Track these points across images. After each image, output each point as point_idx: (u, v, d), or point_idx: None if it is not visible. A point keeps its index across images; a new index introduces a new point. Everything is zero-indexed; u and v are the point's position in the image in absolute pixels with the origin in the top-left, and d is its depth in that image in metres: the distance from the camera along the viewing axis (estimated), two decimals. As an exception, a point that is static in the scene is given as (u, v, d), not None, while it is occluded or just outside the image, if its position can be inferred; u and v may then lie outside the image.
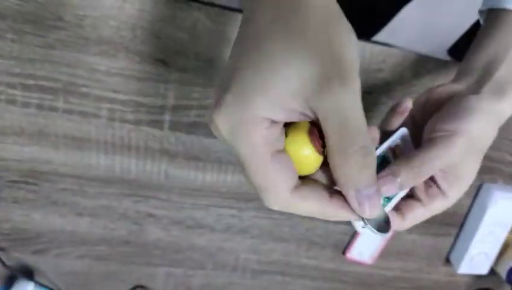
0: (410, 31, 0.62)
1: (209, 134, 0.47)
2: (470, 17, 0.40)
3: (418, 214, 0.35)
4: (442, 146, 0.30)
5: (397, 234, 0.56)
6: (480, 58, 0.34)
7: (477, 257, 0.57)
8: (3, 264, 0.49)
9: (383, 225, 0.25)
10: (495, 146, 0.52)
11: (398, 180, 0.30)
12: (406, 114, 0.35)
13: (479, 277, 0.62)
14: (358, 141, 0.21)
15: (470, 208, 0.56)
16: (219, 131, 0.22)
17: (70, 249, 0.51)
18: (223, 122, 0.21)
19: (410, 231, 0.56)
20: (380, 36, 0.61)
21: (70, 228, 0.50)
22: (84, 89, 0.43)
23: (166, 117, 0.45)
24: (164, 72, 0.43)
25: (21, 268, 0.52)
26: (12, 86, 0.41)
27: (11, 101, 0.42)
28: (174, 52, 0.42)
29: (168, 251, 0.53)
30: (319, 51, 0.21)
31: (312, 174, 0.25)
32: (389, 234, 0.29)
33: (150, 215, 0.51)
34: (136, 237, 0.52)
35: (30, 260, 0.51)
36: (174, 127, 0.46)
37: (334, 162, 0.22)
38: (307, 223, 0.54)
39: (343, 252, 0.57)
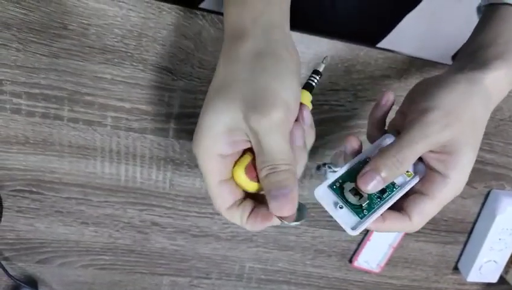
0: (413, 39, 0.62)
1: (214, 142, 0.46)
2: (474, 22, 0.40)
3: (425, 208, 0.32)
4: (418, 126, 0.30)
5: (404, 242, 0.55)
6: (469, 47, 0.35)
7: (487, 265, 0.57)
8: (8, 274, 0.49)
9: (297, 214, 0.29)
10: (502, 152, 0.52)
11: (382, 174, 0.30)
12: (388, 106, 0.35)
13: (488, 286, 0.61)
14: (267, 161, 0.28)
15: (478, 215, 0.56)
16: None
17: (75, 258, 0.51)
18: (193, 149, 0.29)
19: (417, 238, 0.56)
20: (383, 44, 0.60)
21: (75, 237, 0.50)
22: (89, 98, 0.42)
23: (171, 125, 0.45)
24: (169, 80, 0.43)
25: (25, 278, 0.51)
26: (17, 95, 0.41)
27: (16, 110, 0.42)
28: (179, 60, 0.42)
29: (173, 260, 0.53)
30: (242, 91, 0.27)
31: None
32: (298, 223, 0.29)
33: (155, 224, 0.50)
34: (140, 246, 0.51)
35: (34, 269, 0.51)
36: (179, 135, 0.45)
37: (259, 175, 0.29)
38: (312, 231, 0.53)
39: (350, 261, 0.56)
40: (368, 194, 0.32)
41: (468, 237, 0.57)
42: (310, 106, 0.32)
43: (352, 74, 0.44)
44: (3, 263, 0.49)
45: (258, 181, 0.29)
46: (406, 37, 0.60)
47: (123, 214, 0.49)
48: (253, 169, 0.29)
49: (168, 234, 0.51)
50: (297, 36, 0.42)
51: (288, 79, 0.28)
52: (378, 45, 0.61)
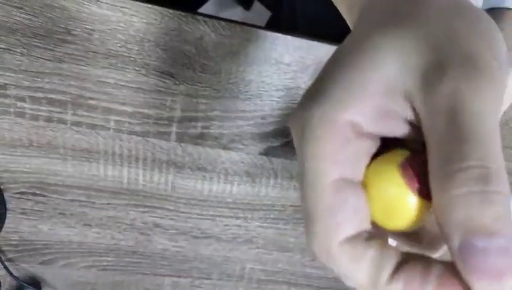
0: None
1: (216, 145, 0.47)
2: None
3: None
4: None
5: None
6: None
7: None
8: (11, 274, 0.49)
9: None
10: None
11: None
12: None
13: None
14: (475, 155, 0.13)
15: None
16: (292, 135, 0.16)
17: (78, 259, 0.52)
18: (294, 121, 0.15)
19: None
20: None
21: (78, 239, 0.50)
22: (92, 102, 0.43)
23: (173, 129, 0.45)
24: (171, 85, 0.43)
25: (29, 279, 0.52)
26: (21, 98, 0.42)
27: (20, 114, 0.43)
28: (181, 65, 0.42)
29: (175, 261, 0.54)
30: (432, 34, 0.15)
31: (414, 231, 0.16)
32: None
33: (157, 225, 0.51)
34: (143, 247, 0.52)
35: (38, 270, 0.52)
36: (181, 138, 0.46)
37: (433, 190, 0.13)
38: (312, 232, 0.54)
39: (349, 262, 0.57)
40: None
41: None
42: None
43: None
44: (7, 263, 0.49)
45: (427, 198, 0.14)
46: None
47: (125, 216, 0.50)
48: (416, 172, 0.15)
49: (170, 235, 0.52)
50: (297, 41, 0.43)
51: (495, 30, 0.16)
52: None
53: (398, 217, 0.15)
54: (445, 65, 0.14)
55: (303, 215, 0.16)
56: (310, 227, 0.15)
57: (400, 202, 0.15)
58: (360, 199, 0.15)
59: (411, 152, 0.15)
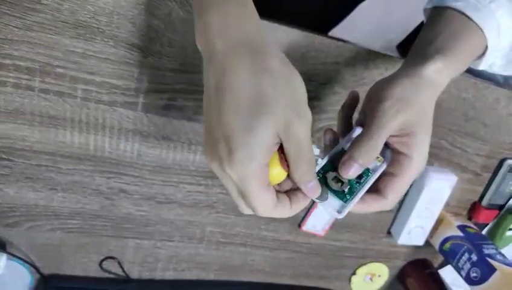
0: (364, 27, 0.68)
1: (180, 117, 0.50)
2: (420, 15, 0.46)
3: (397, 186, 0.37)
4: (376, 116, 0.35)
5: (347, 209, 0.63)
6: (415, 45, 0.40)
7: (415, 230, 0.65)
8: (-25, 237, 0.50)
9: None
10: (432, 133, 0.60)
11: (359, 161, 0.35)
12: (355, 103, 0.41)
13: (416, 248, 0.71)
14: (305, 156, 0.33)
15: (409, 187, 0.64)
16: (228, 175, 0.32)
17: (43, 222, 0.54)
18: (236, 172, 0.31)
19: (358, 206, 0.63)
20: (336, 30, 0.66)
21: (44, 203, 0.52)
22: (60, 70, 0.44)
23: (140, 100, 0.48)
24: (139, 57, 0.45)
25: (-7, 241, 0.53)
26: (-13, 64, 0.43)
27: (-14, 79, 0.43)
28: (149, 39, 0.45)
29: (138, 224, 0.57)
30: (285, 101, 0.31)
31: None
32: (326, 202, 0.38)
33: (122, 191, 0.54)
34: (107, 211, 0.55)
35: (3, 233, 0.53)
36: (147, 109, 0.49)
37: (293, 170, 0.34)
38: (267, 199, 0.59)
39: (299, 225, 0.63)
40: (348, 180, 0.37)
41: (400, 205, 0.66)
42: None
43: (307, 59, 0.49)
44: (-29, 226, 0.50)
45: (287, 169, 0.34)
46: (357, 25, 0.66)
47: (91, 181, 0.52)
48: (284, 161, 0.33)
49: (134, 200, 0.55)
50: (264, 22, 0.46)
51: (301, 79, 0.33)
52: (331, 32, 0.66)
53: (277, 178, 0.34)
54: (293, 122, 0.32)
55: (247, 208, 0.35)
56: (261, 210, 0.34)
57: (282, 176, 0.34)
58: (271, 186, 0.33)
59: (279, 149, 0.33)
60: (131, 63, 0.46)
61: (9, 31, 0.41)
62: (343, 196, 0.38)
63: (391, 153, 0.38)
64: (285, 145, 0.32)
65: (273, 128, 0.30)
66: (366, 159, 0.35)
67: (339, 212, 0.37)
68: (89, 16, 0.42)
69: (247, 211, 0.35)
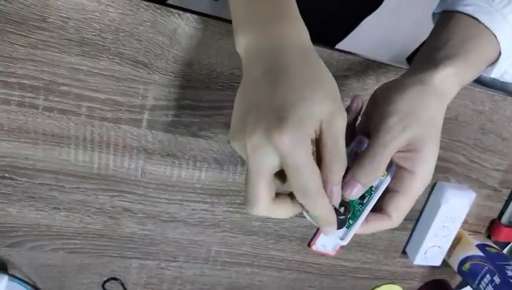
0: (372, 39, 0.67)
1: (186, 133, 0.49)
2: (429, 27, 0.45)
3: (400, 204, 0.35)
4: (382, 133, 0.33)
5: (357, 228, 0.61)
6: (423, 51, 0.38)
7: (431, 249, 0.62)
8: (-23, 257, 0.49)
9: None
10: (448, 147, 0.58)
11: (361, 181, 0.33)
12: (358, 110, 0.38)
13: (432, 268, 0.68)
14: (341, 154, 0.31)
15: (425, 205, 0.62)
16: (268, 151, 0.29)
17: (46, 242, 0.53)
18: (288, 136, 0.28)
19: (369, 225, 0.61)
20: (344, 43, 0.65)
21: (46, 222, 0.51)
22: (64, 88, 0.44)
23: (145, 116, 0.47)
24: (144, 74, 0.45)
25: (-5, 261, 0.52)
26: (-8, 82, 0.42)
27: (-10, 97, 0.43)
28: (154, 55, 0.44)
29: (142, 244, 0.56)
30: (329, 91, 0.31)
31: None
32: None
33: (126, 209, 0.53)
34: (111, 230, 0.54)
35: (4, 253, 0.52)
36: (152, 126, 0.48)
37: (325, 165, 0.31)
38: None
39: (308, 245, 0.61)
40: (350, 202, 0.35)
41: (416, 224, 0.63)
42: None
43: (315, 74, 0.48)
44: (-27, 246, 0.50)
45: None
46: (365, 37, 0.65)
47: (95, 200, 0.51)
48: None
49: (138, 219, 0.54)
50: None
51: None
52: (338, 46, 0.66)
53: None
54: (336, 113, 0.31)
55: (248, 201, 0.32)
56: (257, 200, 0.32)
57: None
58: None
59: None
60: (136, 79, 0.45)
61: (15, 49, 0.41)
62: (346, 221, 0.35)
63: (395, 166, 0.36)
64: (323, 138, 0.30)
65: (319, 113, 0.29)
66: (369, 179, 0.33)
67: (342, 239, 0.35)
68: (94, 34, 0.42)
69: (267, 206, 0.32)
